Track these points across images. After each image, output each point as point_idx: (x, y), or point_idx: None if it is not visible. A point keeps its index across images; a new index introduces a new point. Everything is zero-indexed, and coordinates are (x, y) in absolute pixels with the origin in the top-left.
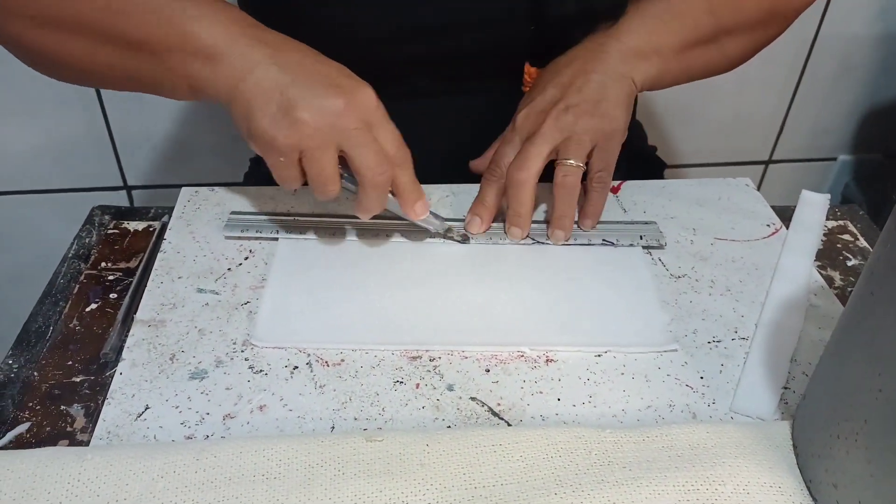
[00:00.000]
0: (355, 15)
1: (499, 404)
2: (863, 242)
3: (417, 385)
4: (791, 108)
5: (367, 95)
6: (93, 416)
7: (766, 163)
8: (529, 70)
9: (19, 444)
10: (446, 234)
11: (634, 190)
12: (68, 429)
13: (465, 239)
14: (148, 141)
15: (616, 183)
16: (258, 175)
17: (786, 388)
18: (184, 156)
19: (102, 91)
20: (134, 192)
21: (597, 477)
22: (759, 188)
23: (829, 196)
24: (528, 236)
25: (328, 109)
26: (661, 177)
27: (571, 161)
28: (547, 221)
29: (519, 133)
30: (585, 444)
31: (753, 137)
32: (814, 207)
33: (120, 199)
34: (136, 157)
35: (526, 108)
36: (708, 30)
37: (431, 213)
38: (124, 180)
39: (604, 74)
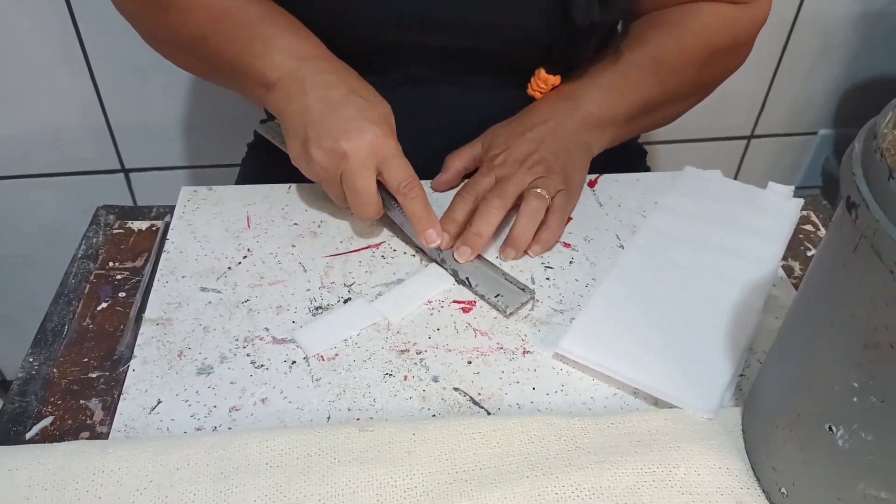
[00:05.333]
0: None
1: (479, 394)
2: (824, 233)
3: (405, 377)
4: (772, 85)
5: (370, 139)
6: (110, 409)
7: (749, 138)
8: (546, 77)
9: (44, 436)
10: (441, 263)
11: (610, 184)
12: (88, 422)
13: (455, 274)
14: (144, 125)
15: (593, 177)
16: (256, 161)
17: (742, 375)
18: (180, 139)
19: (97, 77)
20: (132, 175)
21: (565, 461)
22: (741, 162)
23: (793, 188)
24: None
25: (335, 152)
26: (643, 162)
27: (540, 190)
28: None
29: (495, 172)
30: (556, 431)
31: (736, 114)
32: (783, 198)
33: (118, 183)
34: (132, 142)
35: (503, 153)
36: (656, 98)
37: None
38: (122, 164)
39: (569, 140)
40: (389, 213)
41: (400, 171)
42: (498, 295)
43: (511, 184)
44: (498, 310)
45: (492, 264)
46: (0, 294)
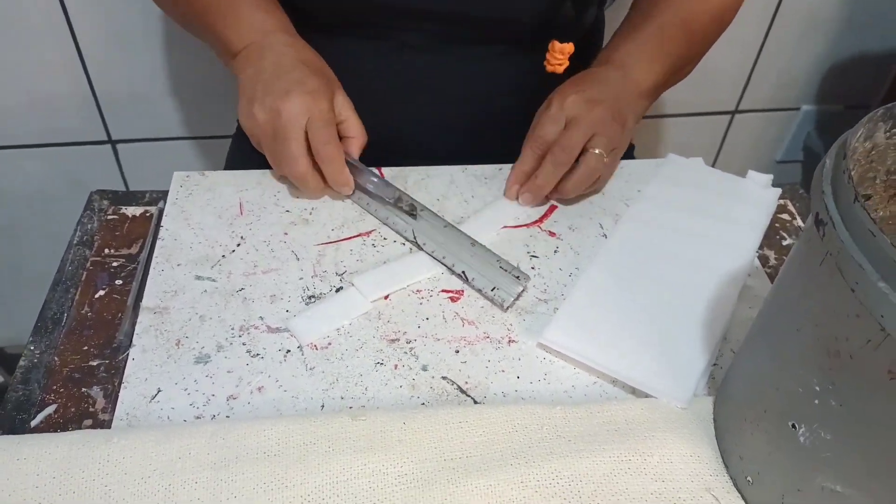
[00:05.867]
0: None
1: (466, 383)
2: (800, 222)
3: (396, 366)
4: (758, 61)
5: (304, 100)
6: (111, 397)
7: (733, 113)
8: (561, 46)
9: (49, 423)
10: (396, 204)
11: None
12: (90, 409)
13: (412, 209)
14: (131, 96)
15: None
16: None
17: (715, 364)
18: (168, 110)
19: (82, 49)
20: (119, 146)
21: (546, 449)
22: (724, 137)
23: (771, 177)
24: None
25: (272, 109)
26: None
27: (598, 150)
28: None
29: (566, 111)
30: (538, 419)
31: (721, 89)
32: (762, 187)
33: (105, 154)
34: (119, 112)
35: (576, 94)
36: (683, 61)
37: (384, 181)
38: (108, 135)
39: (624, 104)
40: (363, 190)
41: (321, 134)
42: (494, 288)
43: (579, 130)
44: (495, 304)
45: (487, 250)
46: None
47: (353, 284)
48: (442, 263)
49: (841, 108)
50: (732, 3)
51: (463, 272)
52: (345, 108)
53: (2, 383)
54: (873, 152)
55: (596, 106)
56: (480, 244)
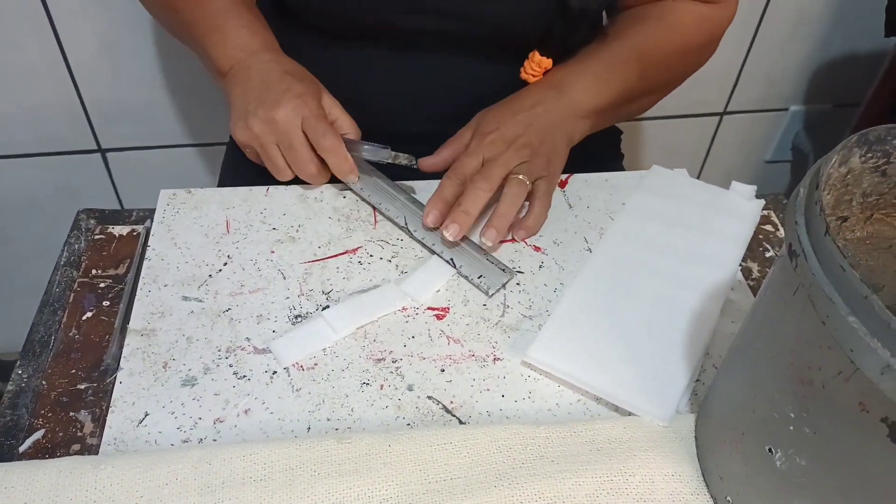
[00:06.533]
0: None
1: (451, 402)
2: (783, 234)
3: (382, 386)
4: (746, 62)
5: (294, 104)
6: (99, 420)
7: (722, 114)
8: (539, 59)
9: (37, 448)
10: (395, 161)
11: (580, 184)
12: (78, 433)
13: (410, 161)
14: (119, 104)
15: (564, 177)
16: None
17: (698, 380)
18: (157, 119)
19: (70, 59)
20: (108, 155)
21: (530, 470)
22: (713, 138)
23: (754, 188)
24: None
25: (267, 119)
26: (618, 142)
27: (522, 176)
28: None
29: (483, 152)
30: (522, 440)
31: (710, 90)
32: (745, 199)
33: (95, 163)
34: (108, 122)
35: (492, 134)
36: (636, 89)
37: (376, 146)
38: (98, 144)
39: (554, 127)
40: (368, 179)
41: (318, 127)
42: (480, 276)
43: (497, 166)
44: (480, 290)
45: (475, 245)
46: None
47: (322, 317)
48: (431, 250)
49: (829, 108)
50: (691, 47)
51: (451, 259)
52: (334, 107)
53: None
54: (849, 176)
55: (513, 143)
56: (470, 239)
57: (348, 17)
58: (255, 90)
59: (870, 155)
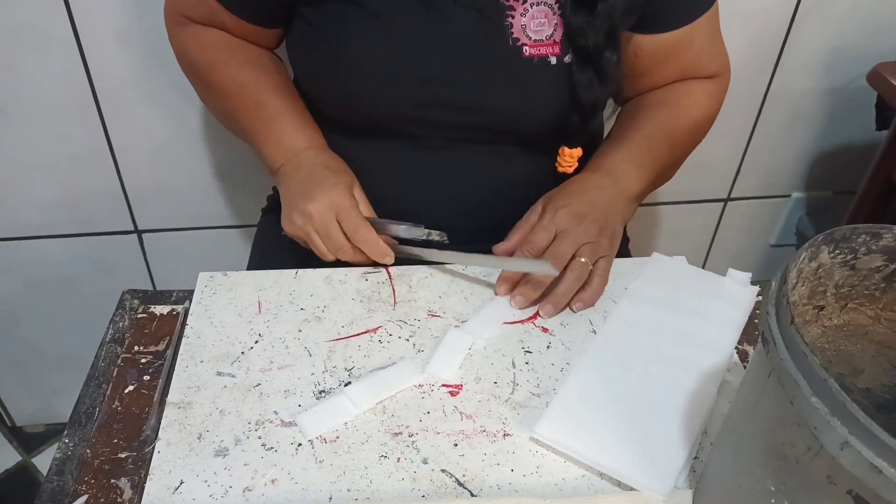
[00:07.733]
0: (389, 85)
1: (464, 475)
2: None
3: (399, 459)
4: (746, 152)
5: (328, 199)
6: (138, 488)
7: (725, 200)
8: (570, 152)
9: None
10: (429, 237)
11: None
12: (119, 500)
13: (442, 237)
14: (158, 187)
15: None
16: (269, 224)
17: (696, 457)
18: (193, 201)
19: (114, 145)
20: (144, 236)
21: None
22: (718, 223)
23: (749, 275)
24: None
25: (304, 213)
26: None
27: (584, 259)
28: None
29: (556, 224)
30: None
31: (713, 178)
32: (741, 285)
33: (131, 243)
34: (146, 205)
35: (565, 209)
36: (667, 167)
37: (410, 225)
38: (135, 224)
39: (614, 209)
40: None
41: (350, 221)
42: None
43: (568, 243)
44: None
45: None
46: (15, 344)
47: (344, 393)
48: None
49: (830, 194)
50: (705, 119)
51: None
52: (362, 200)
53: (20, 462)
54: (820, 270)
55: (584, 220)
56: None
57: (360, 112)
58: (298, 185)
59: (838, 251)
